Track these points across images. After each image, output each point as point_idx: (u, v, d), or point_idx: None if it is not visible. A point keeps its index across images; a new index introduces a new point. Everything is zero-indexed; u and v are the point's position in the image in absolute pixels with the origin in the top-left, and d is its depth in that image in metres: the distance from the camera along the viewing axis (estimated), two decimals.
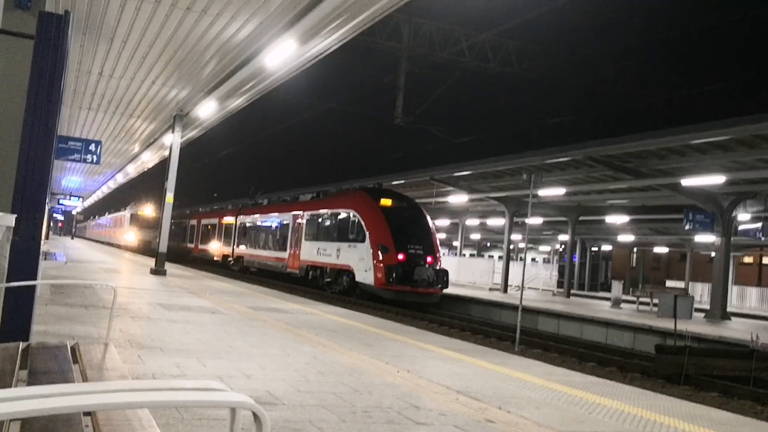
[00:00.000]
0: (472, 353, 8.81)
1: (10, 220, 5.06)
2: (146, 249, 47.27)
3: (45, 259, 20.60)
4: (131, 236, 52.00)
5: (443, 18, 34.41)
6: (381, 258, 23.52)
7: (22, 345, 3.94)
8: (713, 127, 17.10)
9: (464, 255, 47.83)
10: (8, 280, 5.12)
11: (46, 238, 38.13)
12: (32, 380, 3.37)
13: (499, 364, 7.93)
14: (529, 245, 53.98)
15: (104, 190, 53.03)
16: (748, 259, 54.18)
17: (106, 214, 73.86)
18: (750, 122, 16.17)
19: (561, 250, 49.92)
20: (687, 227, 24.00)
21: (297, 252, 30.00)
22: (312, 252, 28.44)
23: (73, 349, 4.10)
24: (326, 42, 11.99)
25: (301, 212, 30.47)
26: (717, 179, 20.35)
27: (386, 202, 25.61)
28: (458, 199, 33.55)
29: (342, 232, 25.90)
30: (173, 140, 19.64)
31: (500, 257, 40.31)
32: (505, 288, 31.95)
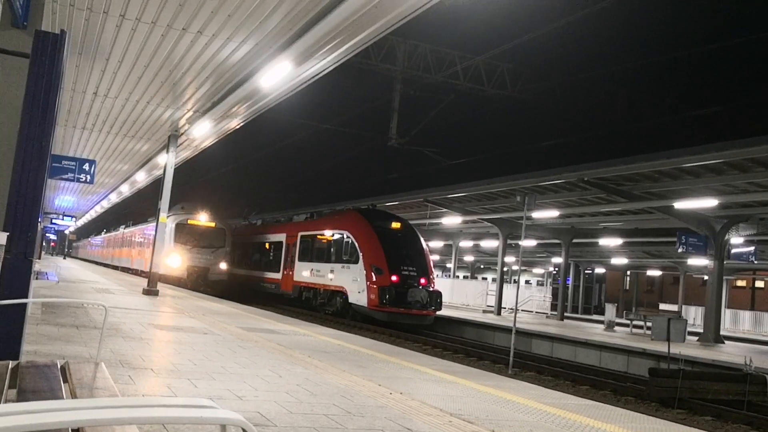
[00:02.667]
0: (466, 375, 8.76)
1: (2, 238, 5.04)
2: (200, 280, 32.46)
3: (37, 278, 20.49)
4: (175, 260, 32.13)
5: (438, 41, 34.72)
6: (374, 279, 23.47)
7: (11, 364, 3.91)
8: (706, 151, 17.20)
9: (458, 277, 47.78)
10: None
11: (38, 257, 37.62)
12: (21, 399, 3.33)
13: (493, 387, 7.89)
14: (523, 267, 54.01)
15: (97, 210, 52.85)
16: (741, 283, 54.26)
17: (119, 228, 53.80)
18: (742, 146, 16.27)
19: (555, 272, 49.91)
20: (680, 250, 24.05)
21: (290, 273, 29.97)
22: (305, 273, 28.39)
23: (63, 368, 4.06)
24: (321, 63, 12.05)
25: (294, 233, 30.46)
26: (710, 202, 20.44)
27: (380, 223, 25.61)
28: (452, 220, 33.57)
29: (335, 253, 25.87)
30: (168, 160, 19.63)
31: (494, 279, 40.25)
32: (498, 310, 31.88)
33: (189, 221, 33.31)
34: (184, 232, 32.98)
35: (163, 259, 29.33)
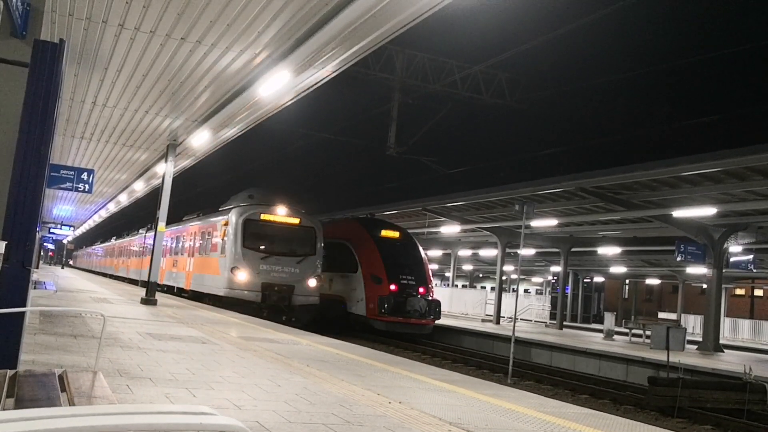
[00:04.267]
0: (465, 384, 8.74)
1: (1, 247, 5.04)
2: (283, 305, 22.23)
3: (35, 287, 20.46)
4: (243, 274, 22.12)
5: (436, 50, 34.85)
6: (373, 289, 23.44)
7: (9, 373, 3.90)
8: (704, 159, 17.23)
9: (456, 286, 47.75)
10: None
11: (36, 267, 37.07)
12: (19, 408, 3.31)
13: (492, 396, 7.87)
14: (522, 276, 53.98)
15: (96, 219, 52.79)
16: (740, 291, 54.26)
17: (136, 232, 44.45)
18: (740, 154, 16.31)
19: (553, 281, 49.90)
20: (679, 259, 24.06)
21: None
22: None
23: (61, 377, 4.05)
24: (320, 73, 12.08)
25: None
26: (708, 211, 20.46)
27: (379, 232, 25.60)
28: (450, 229, 33.57)
29: (334, 262, 25.83)
30: (166, 169, 19.63)
31: (493, 288, 40.24)
32: (497, 319, 31.84)
33: (262, 216, 22.74)
34: (256, 233, 22.66)
35: (222, 273, 21.90)
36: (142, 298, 19.92)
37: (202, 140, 18.06)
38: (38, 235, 7.25)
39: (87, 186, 17.52)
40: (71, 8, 10.23)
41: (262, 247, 22.78)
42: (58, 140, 19.88)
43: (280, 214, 23.35)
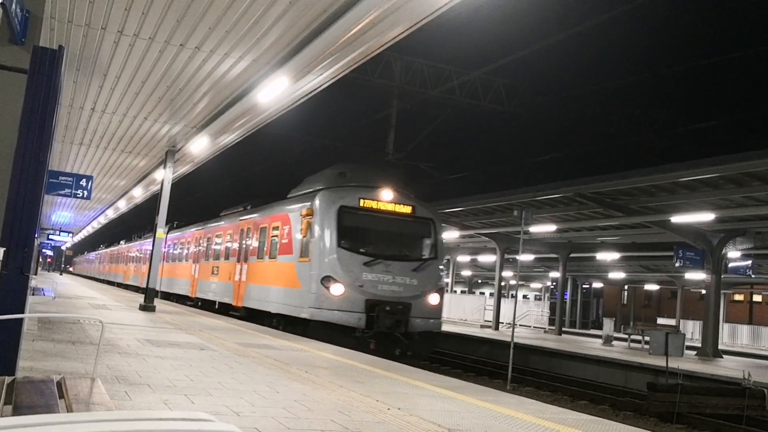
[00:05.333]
0: (464, 391, 8.73)
1: None
2: (397, 329, 15.61)
3: (33, 294, 20.43)
4: (338, 287, 15.57)
5: (434, 56, 34.93)
6: None
7: (7, 379, 3.89)
8: (702, 165, 17.26)
9: (455, 292, 47.72)
10: None
11: (35, 273, 36.82)
12: (17, 415, 3.30)
13: (491, 402, 7.86)
14: (521, 282, 53.97)
15: (94, 225, 52.75)
16: (738, 297, 54.26)
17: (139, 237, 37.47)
18: (738, 160, 16.34)
19: (552, 287, 49.91)
20: (677, 264, 24.07)
21: None
22: None
23: (59, 383, 4.04)
24: (319, 79, 12.10)
25: None
26: (706, 216, 20.47)
27: None
28: (449, 235, 33.56)
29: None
30: (165, 176, 19.64)
31: (491, 294, 40.22)
32: (496, 325, 31.82)
33: (362, 202, 16.53)
34: (356, 227, 16.44)
35: (304, 286, 15.89)
36: (140, 305, 19.90)
37: (200, 146, 18.07)
38: (37, 242, 7.25)
39: (86, 192, 17.54)
40: (70, 15, 10.25)
41: (366, 247, 16.21)
42: (56, 146, 19.89)
43: (386, 199, 16.68)
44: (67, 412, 3.53)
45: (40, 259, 65.10)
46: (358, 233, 16.33)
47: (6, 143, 6.28)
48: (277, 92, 12.59)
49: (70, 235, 51.04)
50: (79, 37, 11.07)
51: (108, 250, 61.82)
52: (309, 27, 9.98)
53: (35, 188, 5.86)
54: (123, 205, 35.39)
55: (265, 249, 19.21)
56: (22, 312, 5.65)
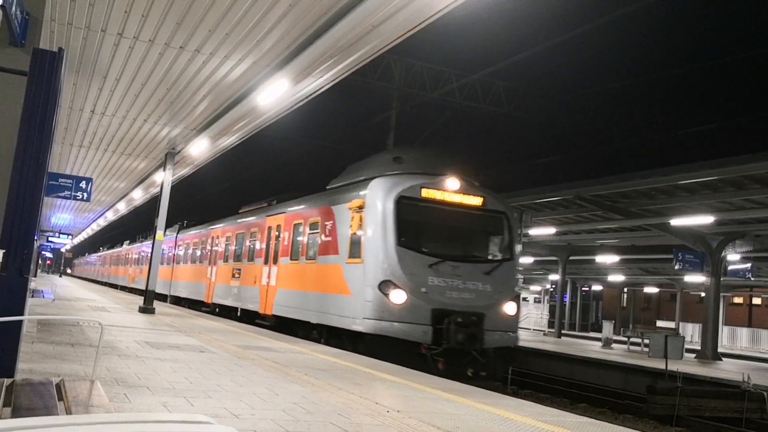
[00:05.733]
0: (463, 393, 8.73)
1: None
2: (469, 346, 12.87)
3: (32, 296, 20.43)
4: (400, 297, 12.99)
5: (434, 59, 34.96)
6: None
7: (6, 382, 3.89)
8: (701, 168, 17.29)
9: None
10: None
11: (34, 275, 36.59)
12: (16, 417, 3.30)
13: (491, 404, 7.86)
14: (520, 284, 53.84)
15: (94, 228, 52.75)
16: (738, 300, 54.27)
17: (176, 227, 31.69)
18: (737, 163, 16.36)
19: (552, 289, 49.91)
20: (677, 267, 24.08)
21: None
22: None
23: (58, 386, 4.04)
24: (318, 81, 12.12)
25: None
26: (706, 219, 20.49)
27: None
28: None
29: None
30: (164, 178, 19.64)
31: None
32: None
33: (424, 191, 14.02)
34: (419, 222, 14.11)
35: (356, 292, 13.51)
36: (140, 307, 19.89)
37: (200, 149, 18.08)
38: (36, 244, 7.24)
39: (85, 194, 17.53)
40: (70, 17, 10.26)
41: (431, 245, 13.86)
42: (56, 149, 19.89)
43: (452, 188, 14.15)
44: (66, 414, 3.53)
45: (40, 261, 65.03)
46: (420, 229, 14.06)
47: (6, 145, 6.28)
48: (276, 95, 12.60)
49: (70, 237, 51.03)
50: (79, 39, 11.08)
51: (111, 251, 59.02)
52: (309, 29, 9.99)
53: (35, 190, 5.87)
54: (123, 208, 35.41)
55: (300, 249, 16.73)
56: (22, 314, 5.65)
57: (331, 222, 15.06)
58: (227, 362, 9.65)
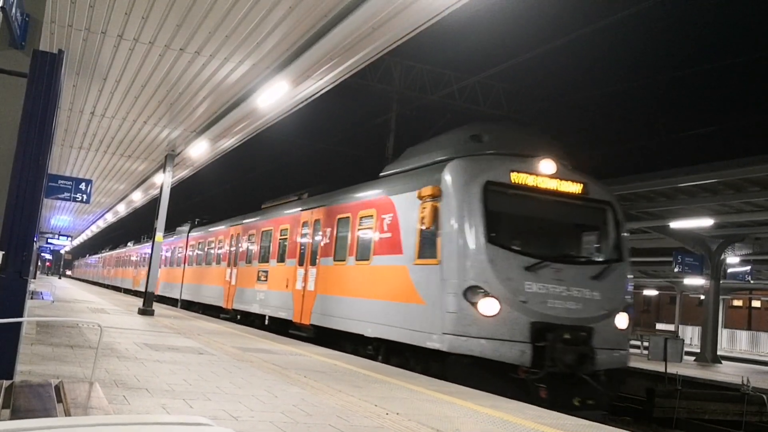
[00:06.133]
0: (463, 395, 8.72)
1: None
2: (575, 368, 10.34)
3: (32, 297, 20.42)
4: (493, 307, 10.41)
5: (434, 61, 34.96)
6: None
7: (5, 383, 3.89)
8: (701, 170, 17.29)
9: None
10: None
11: (33, 277, 36.38)
12: (15, 419, 3.30)
13: (490, 407, 7.85)
14: None
15: (93, 230, 52.75)
16: (737, 302, 54.28)
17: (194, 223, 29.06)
18: (737, 165, 16.37)
19: None
20: (676, 270, 24.08)
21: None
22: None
23: (57, 388, 4.04)
24: (318, 84, 12.13)
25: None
26: (705, 222, 20.50)
27: None
28: None
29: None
30: (164, 180, 19.65)
31: None
32: None
33: (515, 176, 11.40)
34: (511, 213, 11.66)
35: (431, 302, 11.07)
36: (139, 309, 19.89)
37: (200, 150, 18.08)
38: (36, 245, 7.24)
39: (85, 196, 17.55)
40: (70, 19, 10.27)
41: (527, 243, 11.34)
42: (56, 150, 19.90)
43: (547, 172, 11.64)
44: (65, 416, 3.53)
45: (39, 263, 64.99)
46: (513, 222, 11.56)
47: (6, 147, 6.29)
48: (276, 96, 12.61)
49: (69, 239, 51.01)
50: (79, 41, 11.09)
51: (114, 252, 55.99)
52: (309, 31, 10.00)
53: (34, 192, 5.87)
54: (122, 209, 35.41)
55: (348, 247, 14.18)
56: (21, 316, 5.65)
57: (391, 215, 12.58)
58: (226, 364, 9.64)
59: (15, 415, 3.39)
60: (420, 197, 11.56)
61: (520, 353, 10.27)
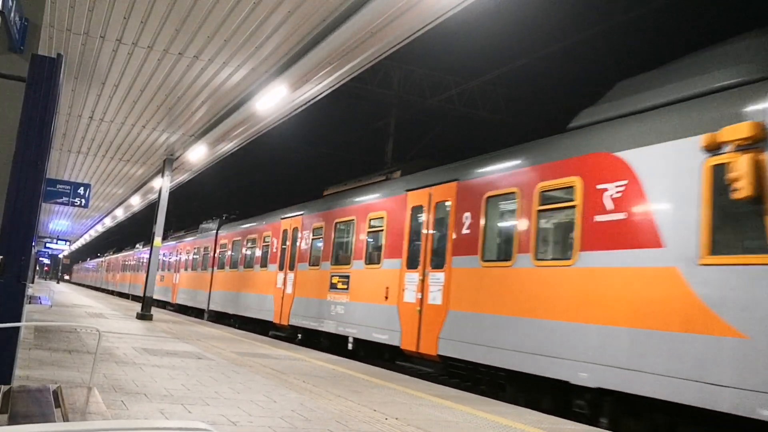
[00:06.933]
0: (462, 400, 8.70)
1: None
2: None
3: (30, 302, 20.38)
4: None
5: (432, 65, 35.00)
6: None
7: (3, 388, 3.87)
8: None
9: None
10: None
11: (32, 281, 36.25)
12: (13, 424, 3.28)
13: (489, 412, 7.84)
14: None
15: (92, 234, 52.71)
16: None
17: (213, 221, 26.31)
18: None
19: None
20: None
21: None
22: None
23: (55, 392, 4.02)
24: (317, 88, 12.13)
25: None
26: None
27: None
28: None
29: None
30: (163, 184, 19.64)
31: None
32: None
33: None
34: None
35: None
36: (137, 314, 19.86)
37: (199, 155, 18.08)
38: (34, 250, 7.22)
39: (83, 200, 17.54)
40: (69, 23, 10.27)
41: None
42: (54, 155, 19.90)
43: None
44: (64, 421, 3.51)
45: (37, 268, 64.88)
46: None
47: (4, 151, 6.28)
48: (275, 101, 12.62)
49: (68, 243, 50.97)
50: (78, 45, 11.10)
51: (119, 255, 51.68)
52: (308, 36, 10.01)
53: (33, 196, 5.85)
54: (121, 214, 35.39)
55: (517, 242, 9.55)
56: (19, 320, 5.63)
57: (624, 182, 7.93)
58: (225, 369, 9.62)
59: (13, 420, 3.37)
60: (711, 146, 6.94)
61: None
